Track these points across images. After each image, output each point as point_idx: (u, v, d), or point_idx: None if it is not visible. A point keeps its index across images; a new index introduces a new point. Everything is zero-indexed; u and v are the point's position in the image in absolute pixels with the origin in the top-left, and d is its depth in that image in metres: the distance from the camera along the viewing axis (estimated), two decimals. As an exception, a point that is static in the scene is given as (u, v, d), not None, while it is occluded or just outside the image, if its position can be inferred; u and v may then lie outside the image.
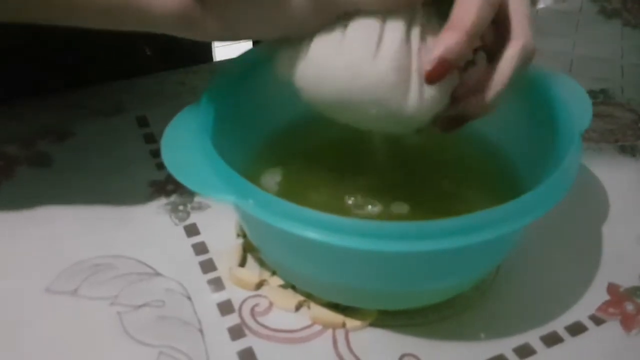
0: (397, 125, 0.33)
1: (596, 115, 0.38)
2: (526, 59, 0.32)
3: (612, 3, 0.70)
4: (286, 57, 0.34)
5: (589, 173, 0.46)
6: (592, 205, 0.44)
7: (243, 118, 0.39)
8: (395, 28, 0.31)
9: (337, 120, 0.34)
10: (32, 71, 0.52)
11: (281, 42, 0.34)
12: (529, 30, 0.32)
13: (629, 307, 0.37)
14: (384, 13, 0.31)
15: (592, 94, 0.44)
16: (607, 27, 0.66)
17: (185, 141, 0.33)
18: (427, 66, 0.31)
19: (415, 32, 0.32)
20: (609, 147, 0.49)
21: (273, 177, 0.40)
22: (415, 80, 0.31)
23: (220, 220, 0.41)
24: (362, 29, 0.32)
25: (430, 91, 0.32)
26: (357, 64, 0.31)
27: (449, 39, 0.30)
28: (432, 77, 0.31)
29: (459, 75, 0.33)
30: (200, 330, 0.35)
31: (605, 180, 0.46)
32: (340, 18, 0.32)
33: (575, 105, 0.37)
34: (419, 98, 0.32)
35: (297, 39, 0.33)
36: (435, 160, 0.42)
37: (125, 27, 0.34)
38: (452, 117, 0.34)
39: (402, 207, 0.38)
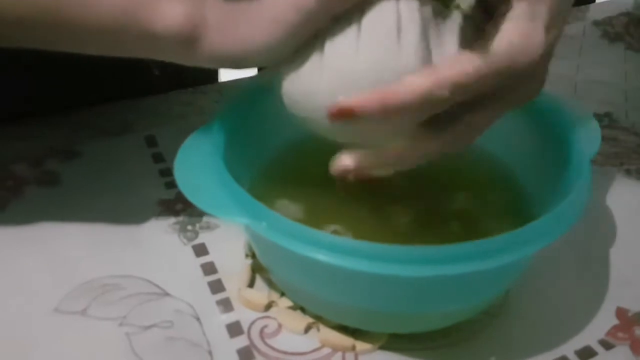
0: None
1: (601, 139, 0.38)
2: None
3: (615, 27, 0.71)
4: (292, 73, 0.32)
5: (595, 196, 0.46)
6: (598, 228, 0.44)
7: (253, 140, 0.40)
8: (412, 20, 0.30)
9: (347, 141, 0.34)
10: (41, 90, 0.52)
11: (284, 64, 0.33)
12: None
13: (638, 331, 0.37)
14: None
15: (597, 117, 0.44)
16: (610, 51, 0.66)
17: (198, 163, 0.34)
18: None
19: (429, 23, 0.31)
20: (614, 170, 0.49)
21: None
22: None
23: (229, 241, 0.41)
24: (378, 22, 0.30)
25: None
26: (381, 62, 0.30)
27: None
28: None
29: None
30: (209, 352, 0.35)
31: (611, 204, 0.46)
32: (350, 13, 0.31)
33: (584, 130, 0.37)
34: None
35: (301, 57, 0.32)
36: (444, 181, 0.42)
37: (125, 50, 0.34)
38: None
39: (408, 227, 0.38)
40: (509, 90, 0.31)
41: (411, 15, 0.30)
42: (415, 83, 0.29)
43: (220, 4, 0.32)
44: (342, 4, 0.31)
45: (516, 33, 0.29)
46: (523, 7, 0.29)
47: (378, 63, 0.30)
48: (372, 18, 0.30)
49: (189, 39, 0.32)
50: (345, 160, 0.32)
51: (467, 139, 0.32)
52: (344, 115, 0.30)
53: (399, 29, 0.30)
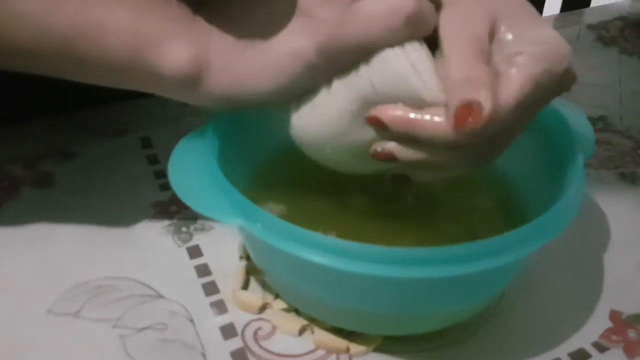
0: None
1: (595, 142, 0.38)
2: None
3: (610, 31, 0.71)
4: (301, 116, 0.33)
5: (589, 199, 0.46)
6: (592, 231, 0.44)
7: (248, 142, 0.40)
8: (423, 60, 0.30)
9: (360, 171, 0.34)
10: (37, 91, 0.52)
11: (291, 106, 0.33)
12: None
13: (632, 334, 0.37)
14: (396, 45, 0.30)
15: (591, 120, 0.45)
16: (605, 55, 0.67)
17: (192, 165, 0.34)
18: None
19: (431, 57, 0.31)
20: (608, 173, 0.50)
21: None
22: None
23: (223, 242, 0.41)
24: (392, 66, 0.30)
25: None
26: (405, 98, 0.30)
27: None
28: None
29: None
30: (203, 354, 0.35)
31: (605, 207, 0.46)
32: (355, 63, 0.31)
33: (578, 133, 0.37)
34: None
35: (309, 96, 0.33)
36: (440, 187, 0.42)
37: (130, 85, 0.34)
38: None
39: (401, 230, 0.38)
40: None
41: (422, 57, 0.30)
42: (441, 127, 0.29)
43: (224, 45, 0.33)
44: (343, 61, 0.31)
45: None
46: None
47: (401, 96, 0.30)
48: (382, 63, 0.30)
49: (193, 80, 0.33)
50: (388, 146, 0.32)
51: (502, 148, 0.32)
52: (375, 122, 0.31)
53: (415, 68, 0.30)
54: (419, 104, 0.30)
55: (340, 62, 0.31)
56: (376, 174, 0.34)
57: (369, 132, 0.32)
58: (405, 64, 0.30)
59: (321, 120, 0.32)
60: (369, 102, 0.31)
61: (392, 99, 0.30)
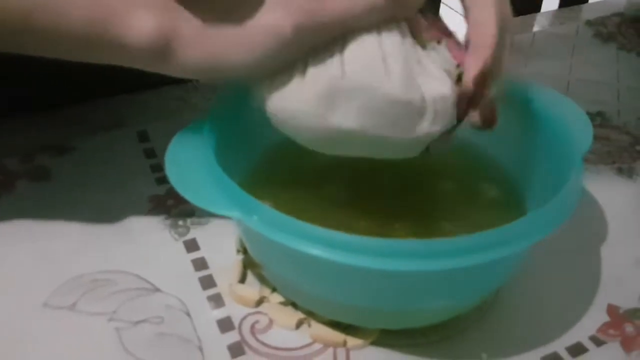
0: (408, 147, 0.33)
1: (593, 138, 0.38)
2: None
3: (608, 27, 0.71)
4: (275, 93, 0.32)
5: (587, 194, 0.46)
6: (590, 226, 0.44)
7: (245, 136, 0.39)
8: (395, 52, 0.31)
9: (334, 154, 0.34)
10: (33, 86, 0.52)
11: (264, 82, 0.33)
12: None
13: (629, 328, 0.37)
14: (373, 28, 0.31)
15: (589, 116, 0.44)
16: (603, 51, 0.67)
17: (189, 158, 0.33)
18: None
19: (411, 54, 0.32)
20: (606, 169, 0.50)
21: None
22: (427, 93, 0.31)
23: (220, 236, 0.41)
24: (362, 51, 0.31)
25: (442, 104, 0.32)
26: (368, 84, 0.30)
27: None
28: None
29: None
30: (200, 348, 0.34)
31: (603, 202, 0.46)
32: (330, 44, 0.31)
33: (577, 129, 0.37)
34: (433, 114, 0.31)
35: (283, 74, 0.32)
36: (434, 178, 0.42)
37: (98, 58, 0.33)
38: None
39: (402, 228, 0.38)
40: None
41: (394, 49, 0.31)
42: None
43: (195, 17, 0.32)
44: (319, 37, 0.31)
45: None
46: None
47: (365, 85, 0.30)
48: (356, 47, 0.31)
49: (160, 50, 0.32)
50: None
51: None
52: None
53: (383, 59, 0.31)
54: (380, 97, 0.30)
55: (316, 40, 0.31)
56: (346, 156, 0.34)
57: (338, 119, 0.31)
58: (376, 53, 0.30)
59: (292, 102, 0.32)
60: (337, 87, 0.31)
61: (358, 85, 0.30)
